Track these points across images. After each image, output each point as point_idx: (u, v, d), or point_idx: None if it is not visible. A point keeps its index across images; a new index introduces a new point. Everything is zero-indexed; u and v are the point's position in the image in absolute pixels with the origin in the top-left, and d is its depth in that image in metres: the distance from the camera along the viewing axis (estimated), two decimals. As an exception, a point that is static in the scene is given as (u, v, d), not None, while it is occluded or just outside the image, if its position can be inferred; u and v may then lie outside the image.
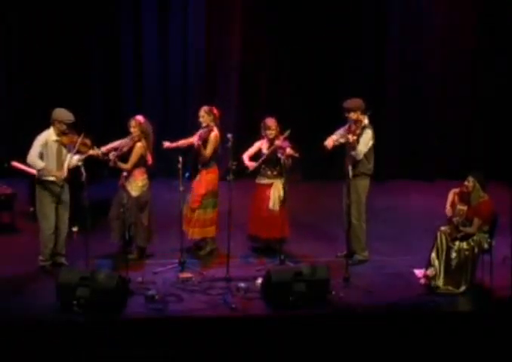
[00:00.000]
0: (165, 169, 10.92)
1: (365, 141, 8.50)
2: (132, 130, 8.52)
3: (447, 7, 12.35)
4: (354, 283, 8.07)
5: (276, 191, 8.68)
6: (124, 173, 8.45)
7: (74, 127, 8.23)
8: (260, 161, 8.69)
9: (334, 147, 8.54)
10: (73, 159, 8.26)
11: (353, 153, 8.45)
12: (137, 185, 8.57)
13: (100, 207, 8.84)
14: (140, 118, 8.58)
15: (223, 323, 7.36)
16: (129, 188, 8.51)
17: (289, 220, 8.87)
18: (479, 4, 12.36)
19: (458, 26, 12.41)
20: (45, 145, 8.15)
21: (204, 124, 8.67)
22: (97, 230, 8.59)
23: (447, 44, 12.42)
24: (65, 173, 8.22)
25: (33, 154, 8.14)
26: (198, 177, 8.84)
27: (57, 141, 8.18)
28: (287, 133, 8.56)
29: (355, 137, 8.44)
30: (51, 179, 8.22)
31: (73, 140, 8.19)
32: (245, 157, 8.80)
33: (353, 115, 8.51)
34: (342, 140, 8.53)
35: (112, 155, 8.43)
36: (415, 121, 12.59)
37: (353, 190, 8.45)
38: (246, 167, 8.71)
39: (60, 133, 8.17)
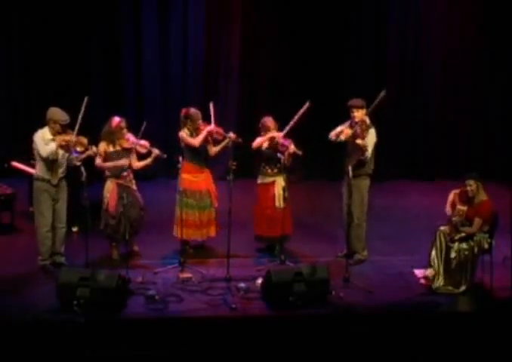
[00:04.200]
0: (165, 169, 10.93)
1: (371, 141, 8.47)
2: (125, 131, 8.52)
3: (447, 7, 12.36)
4: (354, 283, 8.07)
5: (279, 189, 8.66)
6: (125, 173, 8.46)
7: (70, 126, 8.22)
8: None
9: (336, 142, 8.50)
10: (71, 158, 8.26)
11: (362, 158, 8.40)
12: (132, 179, 8.64)
13: (100, 207, 8.83)
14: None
15: (223, 323, 7.36)
16: (130, 184, 8.58)
17: (292, 218, 8.86)
18: (479, 4, 12.36)
19: (458, 26, 12.42)
20: None
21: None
22: (97, 230, 8.57)
23: (447, 44, 12.43)
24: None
25: (43, 149, 8.05)
26: (206, 176, 8.81)
27: (52, 140, 8.15)
28: (307, 105, 8.47)
29: (364, 142, 8.36)
30: (47, 177, 8.19)
31: (68, 139, 8.15)
32: None
33: (358, 113, 8.47)
34: (343, 137, 8.49)
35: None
36: (415, 121, 12.60)
37: (356, 190, 8.44)
38: None
39: (56, 133, 8.15)
